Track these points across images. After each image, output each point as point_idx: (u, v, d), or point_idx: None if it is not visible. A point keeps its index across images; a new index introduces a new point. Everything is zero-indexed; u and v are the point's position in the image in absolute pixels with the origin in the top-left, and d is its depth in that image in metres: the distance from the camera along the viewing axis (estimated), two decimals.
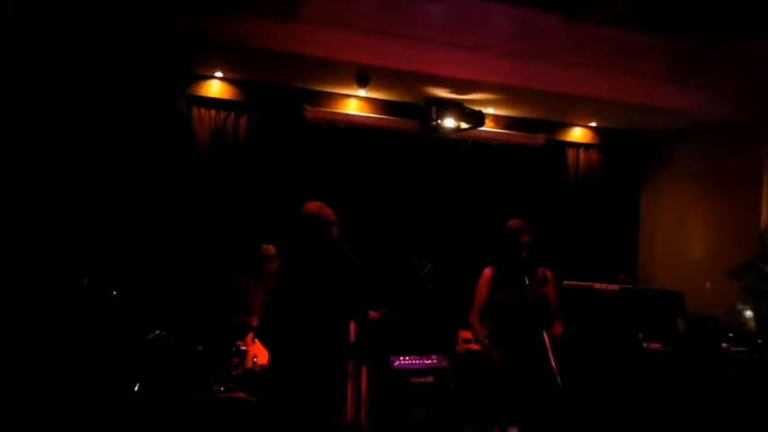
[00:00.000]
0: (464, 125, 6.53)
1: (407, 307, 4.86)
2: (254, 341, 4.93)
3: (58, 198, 5.41)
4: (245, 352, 4.90)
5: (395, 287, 4.37)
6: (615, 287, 6.38)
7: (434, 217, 6.96)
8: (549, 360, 4.15)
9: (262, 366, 4.84)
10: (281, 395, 3.30)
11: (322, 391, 3.34)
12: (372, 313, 4.75)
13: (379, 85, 6.25)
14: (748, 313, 5.98)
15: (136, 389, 4.58)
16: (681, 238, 7.56)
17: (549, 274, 4.55)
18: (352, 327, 4.62)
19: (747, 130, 6.90)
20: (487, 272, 4.64)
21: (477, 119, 6.51)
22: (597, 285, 6.20)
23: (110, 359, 4.76)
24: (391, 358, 5.57)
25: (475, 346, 5.17)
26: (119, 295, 4.82)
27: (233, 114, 6.23)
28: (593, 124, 7.72)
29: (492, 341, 4.47)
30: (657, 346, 5.75)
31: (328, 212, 3.57)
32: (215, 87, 6.21)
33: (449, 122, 6.47)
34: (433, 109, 6.53)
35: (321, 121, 6.51)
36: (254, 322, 4.98)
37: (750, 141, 6.92)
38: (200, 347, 4.82)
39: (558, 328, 4.43)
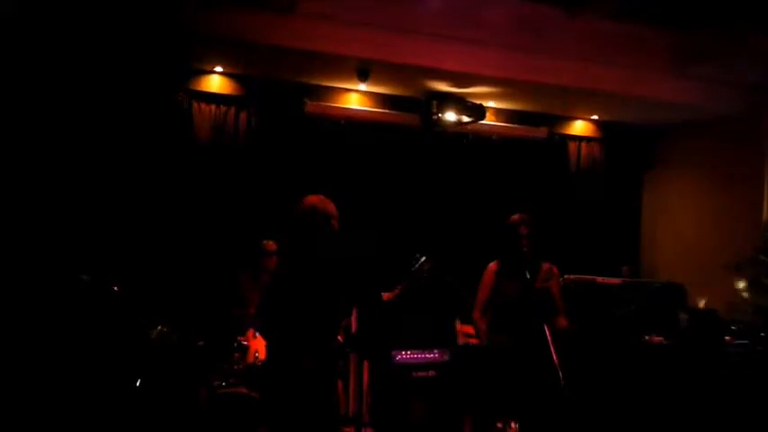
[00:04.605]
0: (465, 119, 6.52)
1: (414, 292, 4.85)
2: (255, 336, 4.93)
3: (58, 193, 5.41)
4: (247, 347, 4.90)
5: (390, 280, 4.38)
6: (617, 280, 6.37)
7: (436, 211, 6.95)
8: (551, 354, 4.14)
9: (263, 361, 4.84)
10: (277, 388, 3.29)
11: (319, 384, 3.33)
12: (385, 294, 4.73)
13: (379, 80, 6.24)
14: (741, 284, 5.98)
15: (138, 384, 4.58)
16: (683, 230, 7.54)
17: (555, 269, 4.53)
18: (353, 318, 4.63)
19: (749, 122, 6.86)
20: (492, 266, 4.61)
21: (479, 112, 6.50)
22: (599, 279, 6.19)
23: (111, 355, 4.76)
24: (393, 353, 5.58)
25: (476, 341, 5.16)
26: (120, 291, 4.81)
27: (233, 109, 6.23)
28: (595, 117, 7.69)
29: (492, 334, 4.46)
30: (659, 339, 5.74)
31: (329, 206, 3.54)
32: (215, 82, 6.20)
33: (450, 116, 6.46)
34: (434, 103, 6.51)
35: (321, 116, 6.50)
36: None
37: (752, 134, 6.88)
38: (201, 343, 4.83)
39: (562, 321, 4.41)
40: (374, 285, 3.86)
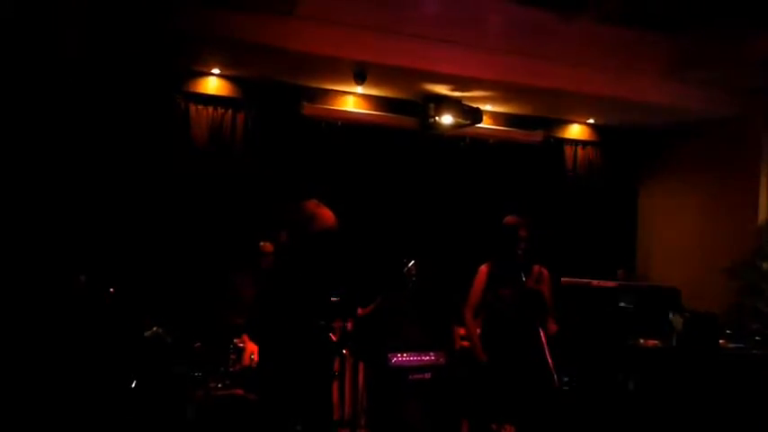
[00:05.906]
0: (462, 122, 6.53)
1: (396, 302, 4.87)
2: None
3: (55, 195, 5.40)
4: (243, 349, 4.90)
5: (383, 284, 4.39)
6: (613, 284, 6.37)
7: (432, 214, 6.96)
8: (546, 357, 4.15)
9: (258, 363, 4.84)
10: (270, 390, 3.30)
11: (312, 386, 3.33)
12: (360, 310, 4.76)
13: (376, 82, 6.25)
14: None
15: (133, 386, 4.58)
16: (679, 234, 7.56)
17: (545, 271, 4.53)
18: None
19: (745, 125, 6.90)
20: (483, 268, 4.62)
21: (475, 116, 6.52)
22: (595, 282, 6.19)
23: (107, 356, 4.76)
24: (389, 355, 5.58)
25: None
26: (116, 293, 4.82)
27: (230, 111, 6.24)
28: (592, 121, 7.72)
29: (486, 338, 4.46)
30: (655, 342, 5.75)
31: (325, 212, 3.53)
32: (212, 84, 6.21)
33: (447, 119, 6.47)
34: (431, 106, 6.53)
35: (319, 118, 6.52)
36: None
37: (748, 137, 6.92)
38: (197, 344, 4.83)
39: (551, 326, 4.42)
40: (351, 303, 3.88)
